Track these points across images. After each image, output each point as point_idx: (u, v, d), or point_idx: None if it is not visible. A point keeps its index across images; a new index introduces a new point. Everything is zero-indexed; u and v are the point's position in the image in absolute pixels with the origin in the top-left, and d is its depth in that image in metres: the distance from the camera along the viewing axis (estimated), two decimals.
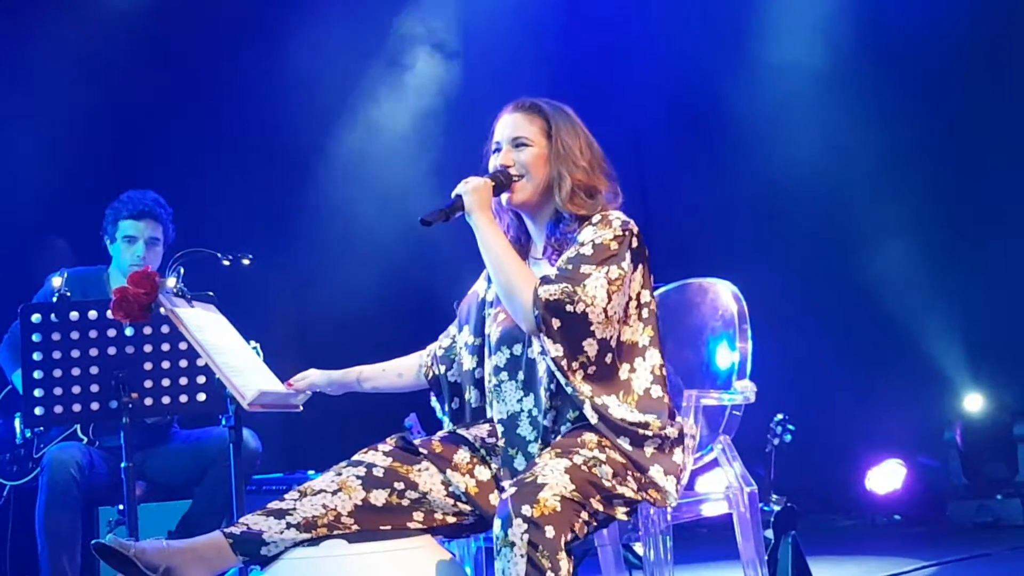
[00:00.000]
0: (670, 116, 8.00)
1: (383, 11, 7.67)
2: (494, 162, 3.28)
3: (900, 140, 7.45)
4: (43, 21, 6.66)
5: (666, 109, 8.01)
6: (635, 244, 3.15)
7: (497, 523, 2.83)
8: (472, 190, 3.17)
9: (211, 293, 3.71)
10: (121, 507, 4.49)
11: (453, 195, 3.19)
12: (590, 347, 3.05)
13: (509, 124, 3.28)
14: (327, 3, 7.51)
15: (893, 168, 7.45)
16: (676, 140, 8.04)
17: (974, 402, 7.60)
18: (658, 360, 3.19)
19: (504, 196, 3.25)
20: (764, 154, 7.62)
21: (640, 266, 3.18)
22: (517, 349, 3.22)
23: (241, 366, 3.43)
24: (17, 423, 4.82)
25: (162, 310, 3.40)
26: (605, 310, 3.05)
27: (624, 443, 3.04)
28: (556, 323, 3.02)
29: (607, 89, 7.86)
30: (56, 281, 4.65)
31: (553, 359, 3.04)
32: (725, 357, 3.78)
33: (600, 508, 2.96)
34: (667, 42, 7.79)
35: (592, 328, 3.04)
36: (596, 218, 3.19)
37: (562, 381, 3.06)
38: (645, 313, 3.19)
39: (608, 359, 3.08)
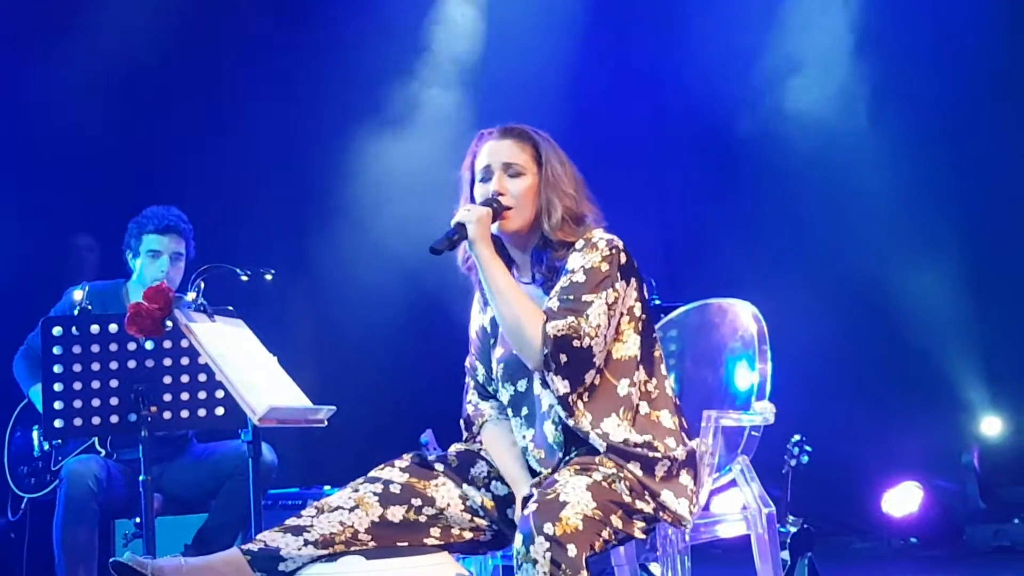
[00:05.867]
0: (691, 138, 8.01)
1: (410, 30, 7.70)
2: (483, 189, 3.21)
3: (923, 165, 7.44)
4: (68, 28, 6.66)
5: (687, 131, 8.02)
6: (623, 260, 3.12)
7: (518, 539, 2.82)
8: (476, 220, 3.11)
9: (231, 308, 3.71)
10: (138, 520, 4.50)
11: (454, 222, 3.14)
12: (589, 376, 3.05)
13: (501, 150, 3.22)
14: (355, 20, 7.53)
15: (914, 192, 7.43)
16: (696, 161, 8.04)
17: (992, 425, 7.57)
18: (663, 374, 3.18)
19: (495, 224, 3.19)
20: (786, 176, 7.61)
21: (632, 279, 3.15)
22: (521, 385, 3.21)
23: (257, 381, 3.42)
24: (35, 435, 4.84)
25: (170, 324, 3.42)
26: (605, 336, 3.05)
27: (635, 469, 3.03)
28: (563, 358, 3.00)
29: (629, 113, 7.87)
30: (77, 295, 4.66)
31: (560, 397, 3.03)
32: (744, 378, 3.77)
33: (620, 525, 2.96)
34: (689, 66, 7.80)
35: (594, 359, 3.04)
36: (579, 243, 3.15)
37: (563, 415, 3.05)
38: (641, 326, 3.16)
39: (598, 380, 3.08)
